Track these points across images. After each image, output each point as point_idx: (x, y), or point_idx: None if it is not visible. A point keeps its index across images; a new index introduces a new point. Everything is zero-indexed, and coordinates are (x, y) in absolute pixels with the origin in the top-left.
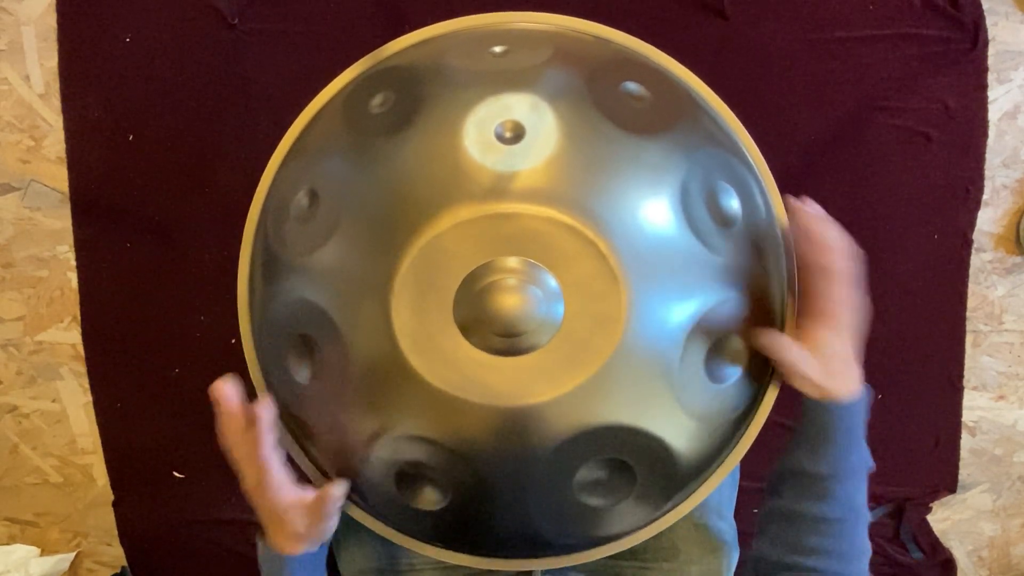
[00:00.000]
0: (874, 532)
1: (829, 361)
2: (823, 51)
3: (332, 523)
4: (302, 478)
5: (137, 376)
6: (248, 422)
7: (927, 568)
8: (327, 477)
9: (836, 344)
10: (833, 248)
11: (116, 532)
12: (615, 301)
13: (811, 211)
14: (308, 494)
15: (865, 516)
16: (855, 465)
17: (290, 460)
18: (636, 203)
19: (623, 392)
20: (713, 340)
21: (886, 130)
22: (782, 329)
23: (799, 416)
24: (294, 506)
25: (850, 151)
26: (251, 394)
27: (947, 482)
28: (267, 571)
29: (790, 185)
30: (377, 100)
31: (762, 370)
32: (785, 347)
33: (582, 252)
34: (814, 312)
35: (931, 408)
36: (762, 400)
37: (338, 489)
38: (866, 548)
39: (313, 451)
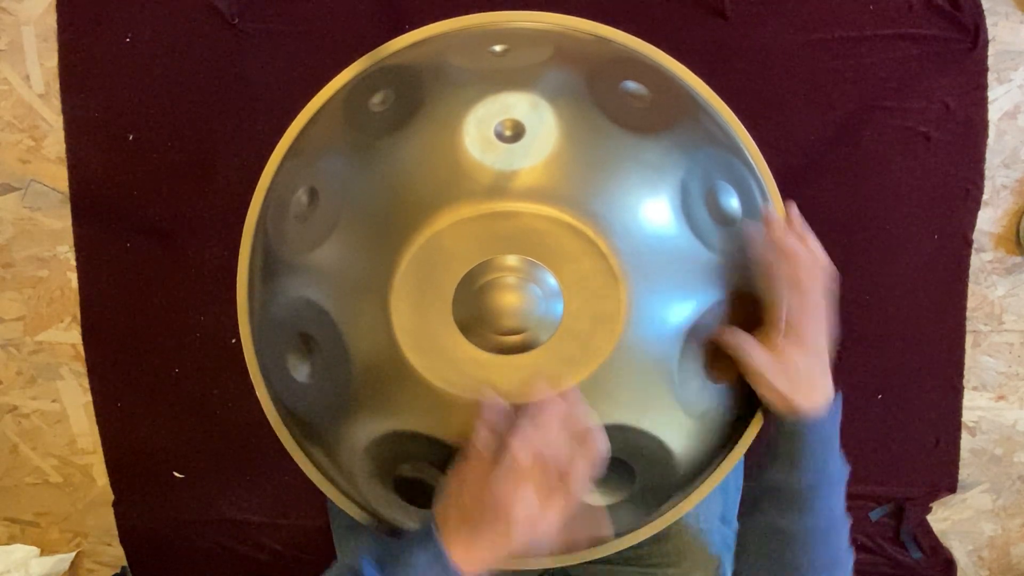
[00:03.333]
0: (874, 532)
1: (794, 376)
2: (823, 51)
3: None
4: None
5: (137, 376)
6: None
7: (927, 568)
8: (327, 478)
9: (801, 361)
10: (806, 263)
11: (116, 532)
12: (614, 300)
13: (792, 219)
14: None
15: (845, 523)
16: (832, 475)
17: (292, 464)
18: (636, 202)
19: (622, 391)
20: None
21: (886, 130)
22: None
23: (770, 432)
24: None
25: (850, 151)
26: (251, 394)
27: (947, 482)
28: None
29: (790, 185)
30: (377, 99)
31: (749, 389)
32: (751, 351)
33: (582, 251)
34: (782, 327)
35: (931, 408)
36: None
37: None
38: (849, 554)
39: (313, 450)
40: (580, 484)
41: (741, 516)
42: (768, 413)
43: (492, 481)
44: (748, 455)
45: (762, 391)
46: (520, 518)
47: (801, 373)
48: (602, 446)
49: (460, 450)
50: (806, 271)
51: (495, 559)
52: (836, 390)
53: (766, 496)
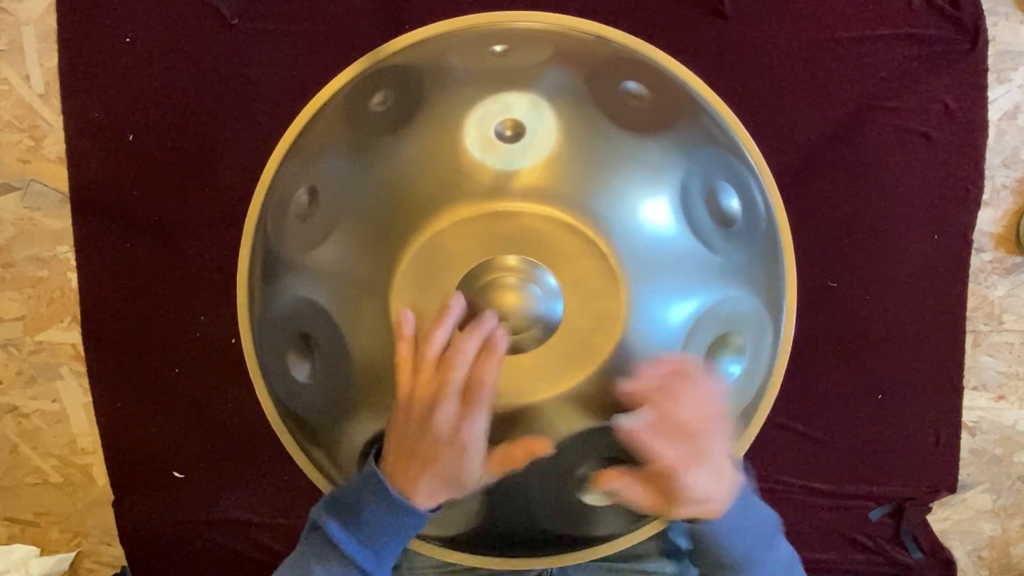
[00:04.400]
0: (874, 532)
1: (687, 497)
2: (823, 51)
3: (476, 483)
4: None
5: (137, 376)
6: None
7: (927, 568)
8: (327, 477)
9: (685, 478)
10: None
11: (116, 532)
12: (614, 300)
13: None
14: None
15: (795, 559)
16: (764, 534)
17: (292, 464)
18: (636, 202)
19: None
20: (712, 339)
21: (886, 130)
22: (782, 331)
23: (687, 533)
24: (481, 454)
25: (850, 151)
26: (251, 394)
27: (947, 482)
28: (355, 518)
29: (790, 185)
30: (377, 99)
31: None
32: (634, 497)
33: (582, 251)
34: (651, 467)
35: (931, 408)
36: (762, 400)
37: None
38: None
39: (312, 450)
40: (489, 384)
41: None
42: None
43: (413, 406)
44: (747, 455)
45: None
46: (443, 434)
47: (691, 490)
48: (503, 341)
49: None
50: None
51: (438, 485)
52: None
53: (714, 574)
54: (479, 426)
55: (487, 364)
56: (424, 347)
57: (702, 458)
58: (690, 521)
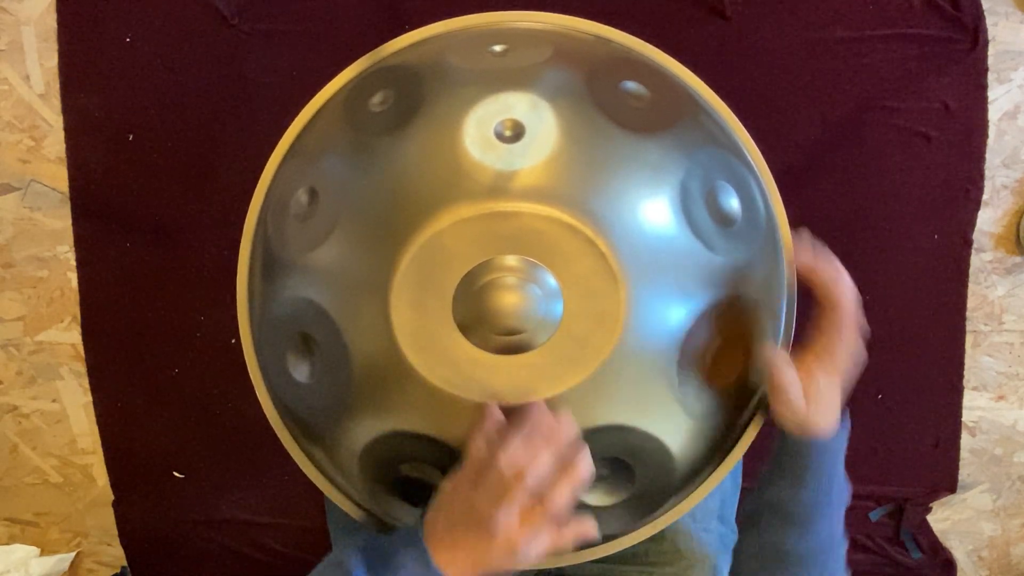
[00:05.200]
0: (874, 532)
1: (816, 399)
2: (823, 51)
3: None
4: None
5: (137, 376)
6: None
7: (927, 568)
8: (326, 477)
9: (824, 381)
10: (841, 289)
11: (116, 532)
12: (614, 300)
13: (818, 250)
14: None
15: (843, 544)
16: (835, 499)
17: (292, 464)
18: (636, 202)
19: (622, 391)
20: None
21: (886, 130)
22: (781, 331)
23: (777, 449)
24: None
25: (850, 151)
26: (251, 394)
27: (947, 482)
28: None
29: (790, 185)
30: (377, 99)
31: (748, 391)
32: (783, 367)
33: (581, 251)
34: (812, 349)
35: (931, 408)
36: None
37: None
38: (844, 573)
39: (312, 450)
40: (560, 508)
41: (740, 530)
42: (774, 424)
43: (477, 494)
44: (747, 457)
45: (778, 406)
46: (500, 535)
47: (822, 394)
48: (586, 471)
49: (460, 454)
50: (841, 295)
51: (477, 570)
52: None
53: (767, 512)
54: (540, 544)
55: (564, 486)
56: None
57: (843, 359)
58: (786, 438)
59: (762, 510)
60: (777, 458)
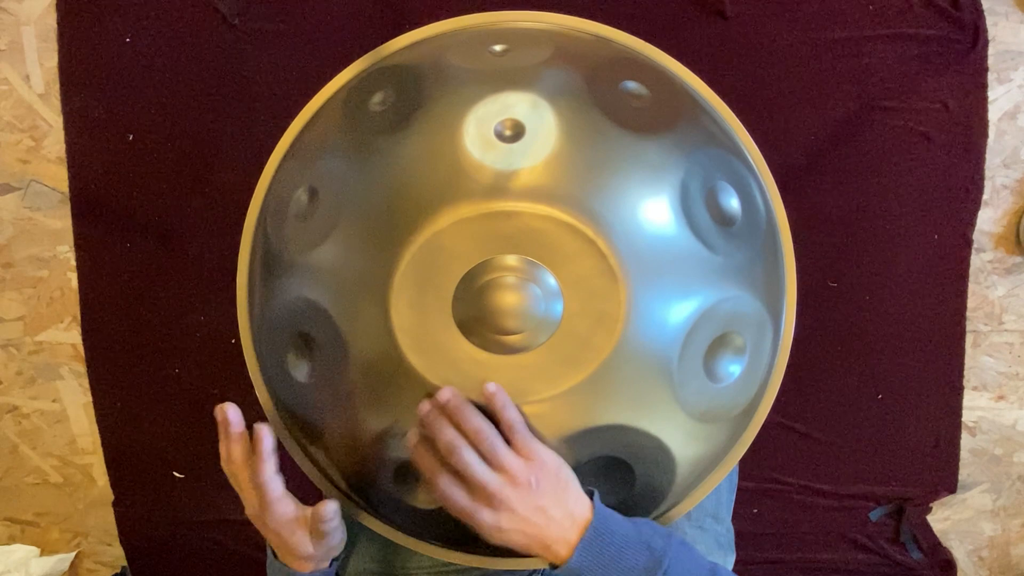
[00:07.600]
0: (874, 532)
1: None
2: (823, 51)
3: (337, 539)
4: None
5: (137, 376)
6: (250, 448)
7: (927, 568)
8: (326, 477)
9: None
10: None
11: (116, 532)
12: (614, 300)
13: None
14: (309, 515)
15: (705, 564)
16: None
17: (292, 464)
18: (636, 202)
19: (622, 391)
20: (712, 339)
21: (886, 130)
22: (781, 331)
23: None
24: (298, 529)
25: (850, 151)
26: (251, 394)
27: (947, 482)
28: None
29: (790, 185)
30: (377, 98)
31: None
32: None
33: (581, 251)
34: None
35: (931, 408)
36: (762, 400)
37: (329, 506)
38: None
39: (312, 450)
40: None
41: None
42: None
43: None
44: (746, 457)
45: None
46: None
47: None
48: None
49: None
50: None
51: (306, 560)
52: (590, 495)
53: None
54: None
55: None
56: None
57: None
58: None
59: None
60: None
